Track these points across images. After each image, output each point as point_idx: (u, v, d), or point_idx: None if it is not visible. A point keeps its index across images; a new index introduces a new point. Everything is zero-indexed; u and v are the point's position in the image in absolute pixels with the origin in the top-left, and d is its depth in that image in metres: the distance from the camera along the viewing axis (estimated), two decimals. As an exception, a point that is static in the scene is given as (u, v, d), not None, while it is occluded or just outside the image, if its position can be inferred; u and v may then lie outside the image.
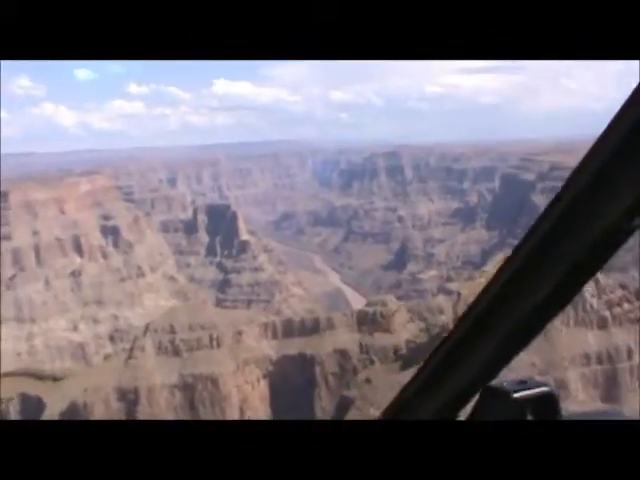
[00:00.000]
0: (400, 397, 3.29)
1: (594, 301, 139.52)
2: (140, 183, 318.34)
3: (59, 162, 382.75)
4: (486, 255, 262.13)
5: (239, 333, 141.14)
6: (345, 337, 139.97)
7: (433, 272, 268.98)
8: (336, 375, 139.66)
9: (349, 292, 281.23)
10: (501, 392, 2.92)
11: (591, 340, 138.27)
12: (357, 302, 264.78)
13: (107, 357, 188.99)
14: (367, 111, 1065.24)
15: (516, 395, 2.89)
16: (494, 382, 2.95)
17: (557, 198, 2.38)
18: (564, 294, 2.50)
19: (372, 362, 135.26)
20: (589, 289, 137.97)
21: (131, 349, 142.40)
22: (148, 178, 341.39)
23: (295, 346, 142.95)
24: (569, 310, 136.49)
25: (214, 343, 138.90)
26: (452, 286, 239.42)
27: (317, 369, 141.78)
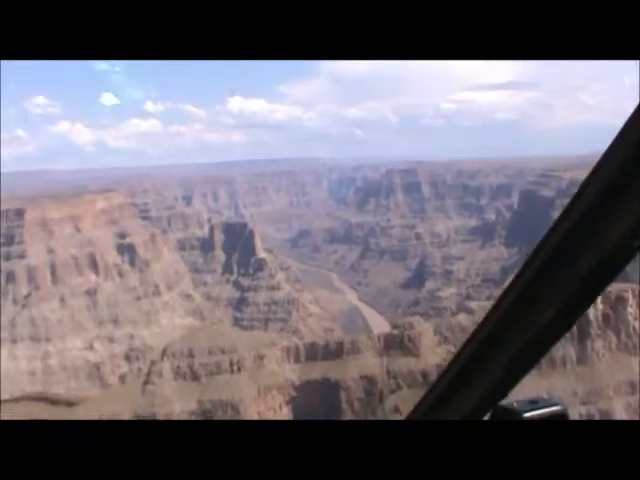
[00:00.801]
0: (411, 417, 3.29)
1: (637, 324, 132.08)
2: (156, 201, 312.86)
3: (75, 180, 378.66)
4: (506, 272, 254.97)
5: (260, 357, 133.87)
6: (371, 361, 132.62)
7: (452, 290, 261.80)
8: (362, 401, 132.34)
9: (366, 310, 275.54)
10: (512, 412, 2.90)
11: (636, 367, 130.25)
12: (375, 320, 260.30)
13: (123, 377, 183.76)
14: (382, 128, 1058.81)
15: (527, 415, 2.87)
16: (504, 402, 2.94)
17: (564, 214, 2.40)
18: (573, 311, 2.49)
19: (400, 387, 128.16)
20: (631, 311, 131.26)
21: (148, 374, 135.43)
22: (164, 196, 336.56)
23: (319, 370, 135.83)
24: (610, 334, 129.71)
25: (234, 367, 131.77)
26: (472, 304, 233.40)
27: (342, 395, 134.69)
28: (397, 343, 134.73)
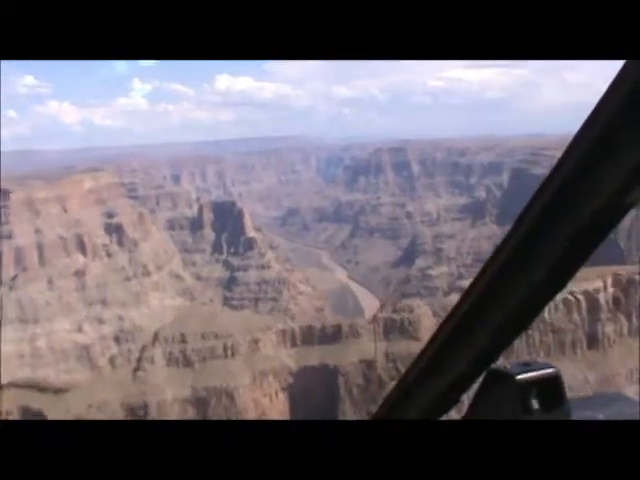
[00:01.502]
0: (402, 381, 3.28)
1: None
2: (144, 180, 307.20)
3: (62, 159, 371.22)
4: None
5: (255, 341, 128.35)
6: (370, 345, 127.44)
7: (443, 269, 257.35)
8: (361, 387, 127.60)
9: (357, 289, 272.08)
10: (505, 374, 2.92)
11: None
12: (365, 298, 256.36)
13: (112, 359, 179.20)
14: (370, 106, 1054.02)
15: (520, 377, 2.90)
16: (497, 364, 2.96)
17: (548, 178, 2.40)
18: (560, 276, 2.47)
19: (400, 372, 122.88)
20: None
21: (139, 359, 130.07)
22: (152, 175, 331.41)
23: (316, 355, 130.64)
24: (621, 318, 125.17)
25: (228, 352, 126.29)
26: (464, 283, 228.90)
27: (341, 381, 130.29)
28: (397, 327, 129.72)
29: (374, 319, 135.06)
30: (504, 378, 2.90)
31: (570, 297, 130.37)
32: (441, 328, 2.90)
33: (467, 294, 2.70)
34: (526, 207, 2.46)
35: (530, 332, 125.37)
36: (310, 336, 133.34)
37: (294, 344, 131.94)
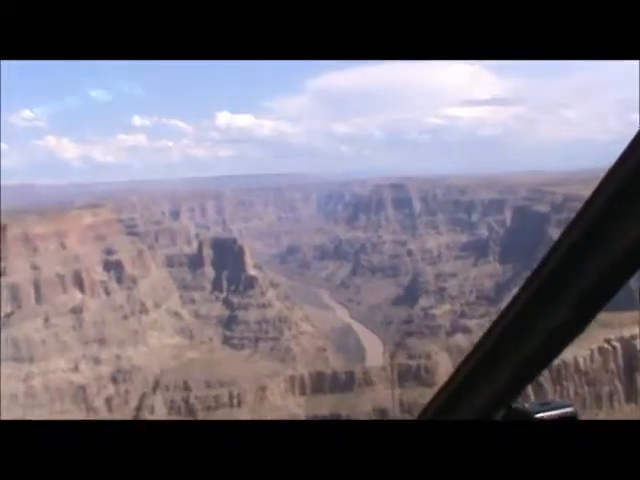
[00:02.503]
0: (420, 416, 3.27)
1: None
2: (143, 216, 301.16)
3: (60, 195, 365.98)
4: (501, 289, 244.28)
5: (262, 389, 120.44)
6: (384, 394, 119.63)
7: (446, 307, 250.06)
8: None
9: (359, 328, 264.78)
10: (523, 413, 2.91)
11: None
12: (367, 338, 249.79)
13: (109, 400, 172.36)
14: (368, 143, 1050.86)
15: (538, 415, 2.89)
16: (516, 404, 2.95)
17: (577, 217, 2.40)
18: (585, 315, 2.47)
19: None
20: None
21: (138, 408, 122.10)
22: (151, 210, 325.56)
23: (327, 404, 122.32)
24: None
25: (234, 401, 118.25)
26: (468, 322, 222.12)
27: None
28: (412, 373, 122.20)
29: (391, 365, 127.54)
30: (523, 416, 2.88)
31: (606, 345, 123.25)
32: (462, 365, 2.90)
33: (490, 330, 2.71)
34: (555, 243, 2.46)
35: (565, 383, 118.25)
36: (320, 383, 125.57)
37: (303, 392, 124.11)
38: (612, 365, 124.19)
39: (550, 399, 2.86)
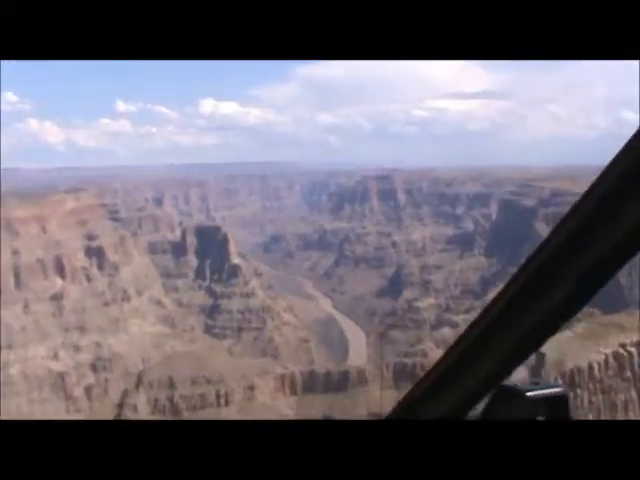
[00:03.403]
0: (409, 396, 3.27)
1: None
2: (126, 202, 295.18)
3: (43, 179, 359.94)
4: (486, 283, 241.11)
5: (251, 387, 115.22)
6: (379, 394, 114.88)
7: (431, 300, 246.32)
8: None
9: (342, 319, 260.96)
10: (514, 391, 2.96)
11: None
12: (350, 330, 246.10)
13: (88, 389, 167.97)
14: (354, 134, 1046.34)
15: (529, 394, 2.93)
16: (506, 382, 2.99)
17: (572, 210, 2.40)
18: (577, 299, 2.48)
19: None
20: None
21: (120, 405, 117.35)
22: (134, 197, 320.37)
23: (319, 405, 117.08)
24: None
25: (221, 400, 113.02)
26: (453, 317, 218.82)
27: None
28: (408, 373, 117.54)
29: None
30: (514, 394, 2.94)
31: (621, 350, 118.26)
32: (456, 343, 2.91)
33: (485, 312, 2.71)
34: (554, 230, 2.46)
35: (578, 391, 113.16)
36: (312, 382, 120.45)
37: (294, 392, 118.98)
38: (628, 372, 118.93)
39: (539, 379, 2.64)
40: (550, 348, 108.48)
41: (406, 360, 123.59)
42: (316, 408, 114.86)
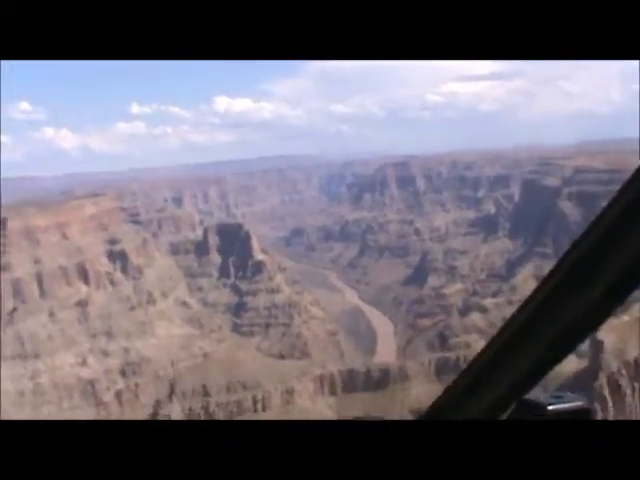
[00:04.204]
0: (432, 407, 3.26)
1: None
2: (145, 204, 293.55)
3: (60, 185, 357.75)
4: (512, 266, 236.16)
5: (289, 391, 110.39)
6: (422, 390, 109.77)
7: (458, 286, 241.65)
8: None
9: (369, 310, 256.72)
10: (536, 405, 2.93)
11: None
12: (378, 320, 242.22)
13: (119, 394, 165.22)
14: (369, 123, 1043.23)
15: (551, 407, 2.89)
16: (528, 395, 2.96)
17: (606, 209, 2.35)
18: (602, 311, 2.45)
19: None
20: None
21: (153, 415, 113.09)
22: (153, 198, 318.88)
23: (360, 405, 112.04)
24: None
25: (258, 406, 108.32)
26: (483, 301, 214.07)
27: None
28: (451, 367, 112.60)
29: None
30: (536, 408, 2.89)
31: None
32: (479, 356, 2.90)
33: (508, 323, 2.69)
34: (583, 233, 2.40)
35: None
36: (352, 382, 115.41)
37: (333, 392, 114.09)
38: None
39: (562, 393, 2.81)
40: (607, 334, 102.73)
41: (449, 354, 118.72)
42: (356, 408, 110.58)
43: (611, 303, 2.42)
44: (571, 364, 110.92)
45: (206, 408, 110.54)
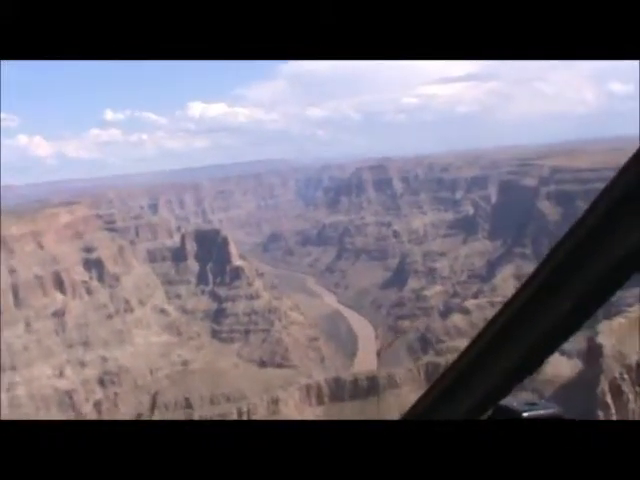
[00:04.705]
0: (410, 412, 3.26)
1: None
2: (121, 211, 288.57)
3: (35, 194, 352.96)
4: (493, 267, 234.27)
5: (275, 401, 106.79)
6: (412, 398, 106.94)
7: (438, 288, 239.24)
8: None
9: (349, 314, 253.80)
10: (511, 411, 2.94)
11: None
12: (358, 324, 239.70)
13: (97, 404, 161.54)
14: (345, 126, 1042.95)
15: (525, 414, 2.91)
16: (504, 401, 2.98)
17: (588, 211, 2.34)
18: (579, 317, 2.46)
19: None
20: None
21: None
22: (129, 205, 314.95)
23: (348, 414, 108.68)
24: None
25: (243, 419, 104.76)
26: (463, 303, 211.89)
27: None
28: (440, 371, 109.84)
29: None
30: (511, 414, 2.91)
31: None
32: (457, 361, 2.90)
33: (488, 327, 2.70)
34: (564, 236, 2.41)
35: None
36: (338, 390, 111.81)
37: (321, 402, 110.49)
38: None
39: (536, 400, 2.86)
40: (605, 337, 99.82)
41: (439, 359, 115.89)
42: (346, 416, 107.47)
43: (590, 306, 2.42)
44: (565, 368, 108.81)
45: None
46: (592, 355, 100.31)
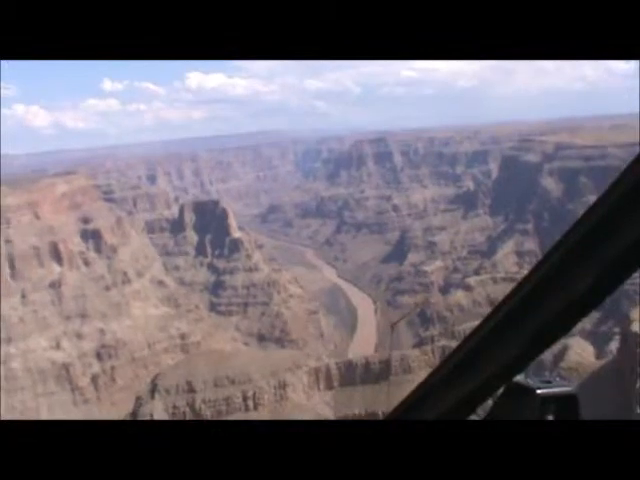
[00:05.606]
0: (423, 384, 3.20)
1: None
2: (119, 181, 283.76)
3: (32, 164, 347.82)
4: (494, 243, 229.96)
5: (282, 386, 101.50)
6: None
7: (438, 263, 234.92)
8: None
9: (348, 288, 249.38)
10: (526, 388, 2.94)
11: None
12: (357, 298, 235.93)
13: (95, 378, 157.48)
14: (344, 98, 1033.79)
15: (540, 391, 2.91)
16: (518, 378, 2.96)
17: (600, 200, 2.31)
18: (595, 295, 2.43)
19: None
20: None
21: (132, 414, 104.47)
22: (127, 176, 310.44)
23: (359, 400, 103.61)
24: None
25: (249, 403, 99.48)
26: (462, 278, 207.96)
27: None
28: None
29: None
30: (526, 391, 2.92)
31: None
32: (472, 334, 2.87)
33: (501, 304, 2.67)
34: (573, 225, 2.39)
35: None
36: (350, 373, 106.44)
37: (330, 386, 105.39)
38: None
39: (551, 378, 2.90)
40: None
41: (453, 343, 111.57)
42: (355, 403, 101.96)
43: (598, 294, 2.40)
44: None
45: (191, 405, 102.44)
46: (626, 343, 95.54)
